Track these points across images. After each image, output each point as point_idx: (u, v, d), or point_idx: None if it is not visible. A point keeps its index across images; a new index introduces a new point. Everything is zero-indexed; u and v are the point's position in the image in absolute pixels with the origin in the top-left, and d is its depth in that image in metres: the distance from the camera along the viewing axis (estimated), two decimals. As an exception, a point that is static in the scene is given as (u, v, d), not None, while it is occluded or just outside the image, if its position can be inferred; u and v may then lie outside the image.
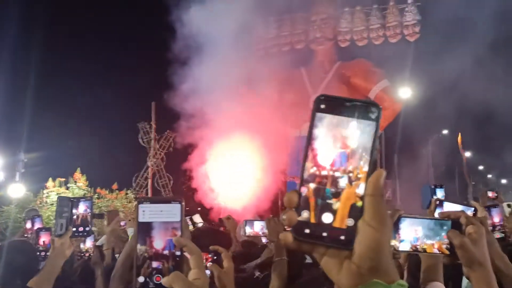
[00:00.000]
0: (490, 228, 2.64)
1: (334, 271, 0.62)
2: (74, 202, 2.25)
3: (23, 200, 13.09)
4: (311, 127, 0.62)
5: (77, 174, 14.32)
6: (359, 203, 0.61)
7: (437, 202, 2.36)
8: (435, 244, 1.39)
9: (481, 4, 12.54)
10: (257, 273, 2.87)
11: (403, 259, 2.11)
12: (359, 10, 15.49)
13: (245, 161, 13.22)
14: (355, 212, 0.61)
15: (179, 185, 15.46)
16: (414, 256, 1.77)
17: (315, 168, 0.61)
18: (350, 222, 0.61)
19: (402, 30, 15.03)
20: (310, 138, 0.62)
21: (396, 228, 1.42)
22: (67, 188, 14.11)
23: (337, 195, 0.61)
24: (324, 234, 0.61)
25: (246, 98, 12.68)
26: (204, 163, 13.48)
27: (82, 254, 3.33)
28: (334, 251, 0.61)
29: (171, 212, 1.09)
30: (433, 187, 3.25)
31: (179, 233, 1.07)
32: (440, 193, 3.20)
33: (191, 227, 4.19)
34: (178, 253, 1.07)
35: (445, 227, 1.38)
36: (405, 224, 1.43)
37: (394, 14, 15.14)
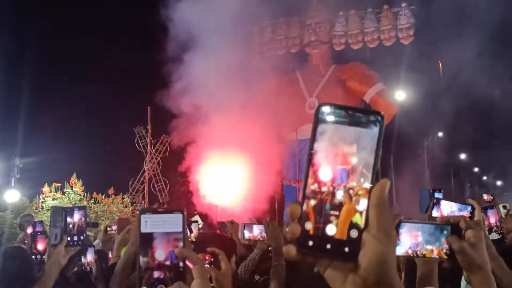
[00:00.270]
0: (487, 229, 2.64)
1: (338, 283, 0.61)
2: (68, 211, 2.25)
3: (18, 205, 13.04)
4: (313, 140, 0.62)
5: (73, 179, 14.28)
6: (359, 218, 0.60)
7: (434, 201, 2.38)
8: (434, 249, 1.40)
9: (475, 8, 12.63)
10: (256, 277, 2.88)
11: (402, 263, 2.13)
12: (354, 13, 15.56)
13: (241, 164, 13.23)
14: (358, 224, 0.60)
15: (177, 189, 15.44)
16: (412, 260, 1.79)
17: (316, 184, 0.61)
18: (354, 233, 0.60)
19: (397, 34, 15.10)
20: (311, 152, 0.62)
21: (396, 233, 1.42)
22: (63, 193, 14.06)
23: (338, 209, 0.60)
24: (328, 246, 0.60)
25: (242, 101, 12.70)
26: (200, 166, 13.48)
27: (84, 268, 3.29)
28: (338, 263, 0.61)
29: (173, 222, 1.08)
30: (431, 191, 3.24)
31: (181, 244, 1.07)
32: (438, 197, 3.21)
33: (193, 234, 4.19)
34: (180, 263, 1.07)
35: (445, 232, 1.39)
36: (405, 229, 1.43)
37: (388, 17, 15.21)
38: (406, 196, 15.33)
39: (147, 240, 1.07)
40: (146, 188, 15.75)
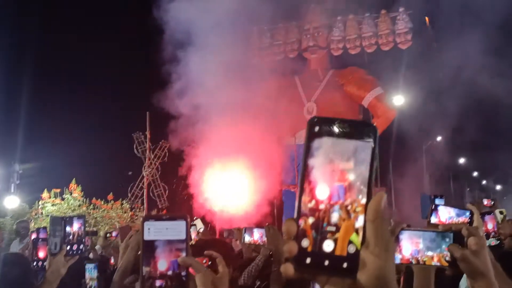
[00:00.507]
0: (485, 235, 2.63)
1: None
2: (67, 220, 2.26)
3: (18, 211, 13.03)
4: (306, 154, 0.61)
5: (73, 185, 14.28)
6: (356, 237, 0.59)
7: (432, 207, 2.38)
8: (435, 256, 1.40)
9: (474, 12, 12.70)
10: (257, 283, 2.89)
11: (401, 270, 2.14)
12: (352, 18, 15.61)
13: (240, 169, 13.23)
14: (356, 240, 0.59)
15: (178, 193, 15.42)
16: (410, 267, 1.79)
17: (311, 200, 0.60)
18: (352, 249, 0.59)
19: (395, 38, 15.15)
20: (305, 168, 0.60)
21: (397, 240, 1.42)
22: (63, 199, 14.05)
23: (335, 225, 0.59)
24: (326, 263, 0.59)
25: (241, 106, 12.72)
26: (199, 171, 13.47)
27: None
28: (337, 280, 0.60)
29: (177, 229, 1.08)
30: (432, 197, 3.24)
31: (183, 253, 1.07)
32: (439, 203, 3.22)
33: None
34: (183, 272, 1.06)
35: (447, 239, 1.39)
36: (406, 237, 1.43)
37: (386, 22, 15.26)
38: (405, 200, 15.36)
39: (150, 248, 1.06)
40: (145, 193, 15.74)
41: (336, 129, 0.60)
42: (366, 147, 0.60)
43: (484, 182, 35.35)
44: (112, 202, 15.13)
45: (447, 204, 2.37)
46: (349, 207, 0.59)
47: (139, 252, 1.10)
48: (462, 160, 27.64)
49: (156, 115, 14.87)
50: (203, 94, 12.87)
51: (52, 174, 15.08)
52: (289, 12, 15.95)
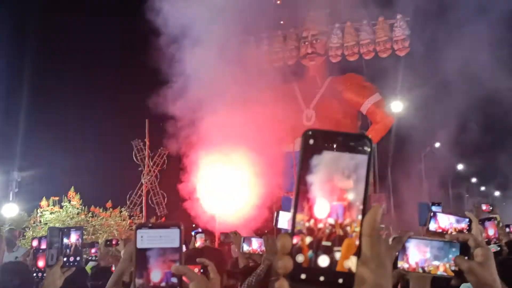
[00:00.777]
0: (485, 241, 2.62)
1: None
2: (64, 232, 2.26)
3: (17, 219, 13.00)
4: (301, 168, 0.60)
5: (71, 193, 14.27)
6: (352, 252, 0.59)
7: (431, 214, 2.38)
8: (441, 266, 1.40)
9: (471, 18, 12.77)
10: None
11: (396, 277, 2.13)
12: (349, 26, 15.68)
13: (238, 176, 13.22)
14: (354, 256, 0.59)
15: (177, 201, 15.41)
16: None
17: (306, 215, 0.59)
18: (347, 264, 0.58)
19: (392, 45, 15.21)
20: (300, 182, 0.59)
21: (403, 248, 1.42)
22: (61, 207, 14.04)
23: (329, 239, 0.59)
24: (321, 278, 0.58)
25: (239, 114, 12.73)
26: (198, 177, 13.46)
27: None
28: None
29: (170, 237, 1.06)
30: (430, 204, 3.24)
31: (177, 259, 1.05)
32: (436, 211, 3.21)
33: (198, 244, 4.18)
34: (176, 281, 1.04)
35: (453, 249, 1.39)
36: (413, 245, 1.43)
37: (384, 29, 15.33)
38: (404, 207, 15.34)
39: (143, 256, 1.04)
40: (144, 201, 15.72)
41: (331, 142, 0.60)
42: (361, 159, 0.59)
43: (483, 188, 35.33)
44: (111, 210, 15.12)
45: (444, 211, 2.37)
46: (344, 222, 0.59)
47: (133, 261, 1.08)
48: (460, 166, 27.65)
49: (155, 123, 14.90)
50: (202, 102, 12.89)
51: (50, 182, 15.07)
52: (287, 20, 16.05)
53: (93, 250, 4.33)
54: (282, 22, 16.01)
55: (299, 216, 0.59)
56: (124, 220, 15.21)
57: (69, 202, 14.22)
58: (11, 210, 12.94)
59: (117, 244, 5.16)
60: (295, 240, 0.59)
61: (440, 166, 20.83)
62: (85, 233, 13.90)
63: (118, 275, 2.33)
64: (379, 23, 15.44)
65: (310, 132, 0.61)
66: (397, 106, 16.01)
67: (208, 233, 7.13)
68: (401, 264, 1.43)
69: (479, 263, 1.29)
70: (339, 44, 15.73)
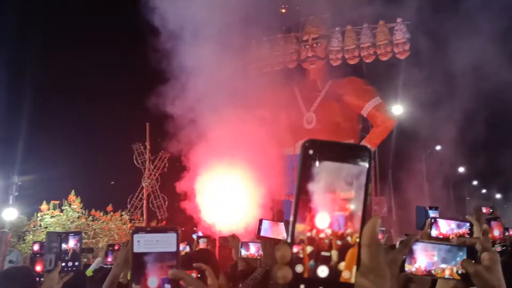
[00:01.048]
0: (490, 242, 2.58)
1: None
2: (63, 237, 2.24)
3: (17, 223, 13.00)
4: (301, 178, 0.60)
5: (72, 197, 14.27)
6: (352, 262, 0.59)
7: (432, 220, 2.37)
8: (447, 269, 1.40)
9: (473, 21, 12.78)
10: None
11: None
12: (350, 29, 15.71)
13: (239, 180, 13.21)
14: (353, 266, 0.59)
15: (178, 205, 15.41)
16: (406, 279, 1.79)
17: (308, 226, 0.59)
18: (346, 274, 0.58)
19: (393, 48, 15.22)
20: (300, 192, 0.60)
21: (411, 252, 1.43)
22: (62, 211, 14.03)
23: (329, 250, 0.59)
24: None
25: (239, 117, 12.74)
26: (198, 183, 13.45)
27: None
28: None
29: (167, 242, 1.05)
30: (427, 208, 3.24)
31: (174, 268, 1.04)
32: (433, 215, 3.20)
33: None
34: (172, 285, 1.04)
35: (460, 253, 1.40)
36: (420, 248, 1.43)
37: (384, 32, 15.35)
38: (404, 209, 15.32)
39: (139, 261, 1.03)
40: (144, 204, 15.71)
41: (330, 152, 0.60)
42: (360, 170, 0.59)
43: (484, 190, 35.31)
44: (112, 213, 15.11)
45: (445, 216, 2.37)
46: (344, 232, 0.59)
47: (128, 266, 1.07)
48: (462, 169, 27.62)
49: (155, 126, 14.90)
50: (203, 105, 12.90)
51: (51, 186, 15.08)
52: (288, 23, 16.07)
53: (109, 259, 4.32)
54: (284, 28, 16.02)
55: (298, 226, 0.59)
56: (124, 223, 15.20)
57: (70, 206, 14.22)
58: (11, 214, 12.95)
59: (119, 249, 5.14)
60: (295, 249, 0.59)
61: (441, 169, 20.81)
62: (85, 236, 13.90)
63: (112, 280, 2.32)
64: (380, 27, 15.46)
65: (309, 142, 0.61)
66: (397, 109, 16.02)
67: (209, 237, 7.11)
68: (408, 267, 1.43)
69: (486, 267, 1.30)
70: (339, 47, 15.75)
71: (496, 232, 2.89)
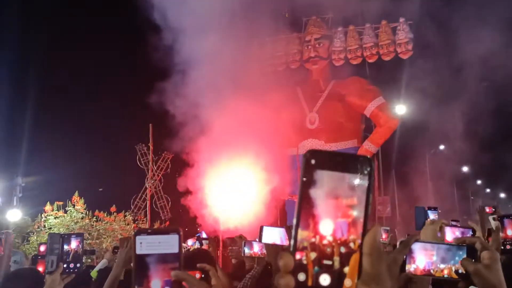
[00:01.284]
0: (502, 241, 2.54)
1: None
2: (65, 238, 2.25)
3: (21, 224, 13.04)
4: (303, 188, 0.60)
5: (75, 197, 14.30)
6: (354, 270, 0.59)
7: (438, 229, 2.38)
8: (446, 269, 1.40)
9: (475, 19, 12.76)
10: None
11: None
12: (352, 29, 15.70)
13: (242, 180, 13.22)
14: (354, 273, 0.59)
15: (181, 205, 15.43)
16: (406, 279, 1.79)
17: (310, 235, 0.60)
18: (348, 283, 0.59)
19: (395, 48, 15.21)
20: (302, 201, 0.60)
21: (410, 252, 1.43)
22: (65, 212, 14.07)
23: (331, 258, 0.59)
24: None
25: (242, 117, 12.75)
26: (202, 183, 13.46)
27: None
28: None
29: (169, 243, 1.06)
30: (426, 209, 3.23)
31: (177, 265, 1.04)
32: (432, 215, 3.18)
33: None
34: (175, 287, 1.04)
35: (460, 253, 1.40)
36: (419, 248, 1.43)
37: (386, 32, 15.34)
38: (408, 208, 15.28)
39: (142, 263, 1.03)
40: (148, 205, 15.73)
41: (331, 162, 0.60)
42: (362, 180, 0.60)
43: (488, 190, 35.19)
44: (115, 214, 15.14)
45: (444, 215, 2.37)
46: (345, 241, 0.60)
47: (131, 267, 1.08)
48: (466, 168, 27.53)
49: (159, 127, 14.93)
50: (205, 106, 12.92)
51: (55, 187, 15.11)
52: (290, 24, 16.08)
53: None
54: (286, 28, 16.00)
55: (300, 235, 0.60)
56: (128, 224, 15.22)
57: (73, 207, 14.25)
58: (15, 215, 13.00)
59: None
60: (298, 256, 0.59)
61: (445, 168, 20.74)
62: (89, 237, 13.95)
63: (113, 280, 2.32)
64: (382, 27, 15.45)
65: (311, 153, 0.61)
66: (401, 109, 15.99)
67: (211, 238, 7.11)
68: (408, 267, 1.43)
69: (486, 265, 1.30)
70: (342, 47, 15.74)
71: (510, 232, 2.82)
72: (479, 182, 33.13)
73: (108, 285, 2.30)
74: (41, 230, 13.53)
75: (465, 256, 1.38)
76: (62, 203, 14.10)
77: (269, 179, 13.12)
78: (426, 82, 14.40)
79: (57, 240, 2.22)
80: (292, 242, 0.60)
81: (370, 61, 15.55)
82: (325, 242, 0.59)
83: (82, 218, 14.33)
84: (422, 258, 1.42)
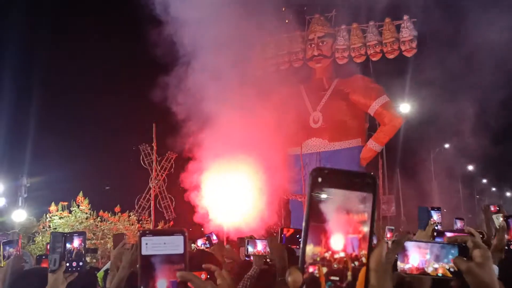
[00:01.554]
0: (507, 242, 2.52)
1: None
2: (67, 237, 2.26)
3: (26, 225, 13.10)
4: (310, 204, 0.62)
5: (80, 198, 14.36)
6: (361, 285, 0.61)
7: (435, 234, 2.39)
8: (440, 268, 1.40)
9: (478, 17, 12.71)
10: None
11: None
12: (356, 27, 15.66)
13: (246, 179, 13.22)
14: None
15: (185, 205, 15.44)
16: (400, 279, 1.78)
17: (318, 250, 0.61)
18: None
19: (399, 46, 15.15)
20: (309, 217, 0.62)
21: (403, 250, 1.43)
22: (70, 212, 14.13)
23: (338, 274, 0.61)
24: None
25: (246, 116, 12.75)
26: (204, 182, 13.47)
27: None
28: None
29: (174, 244, 1.07)
30: (430, 209, 3.22)
31: (183, 266, 1.05)
32: (435, 215, 3.18)
33: None
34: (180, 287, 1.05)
35: (452, 251, 1.40)
36: (413, 247, 1.43)
37: (390, 30, 15.28)
38: (413, 208, 15.24)
39: (148, 263, 1.04)
40: (152, 205, 15.76)
41: (337, 179, 0.62)
42: (367, 196, 0.62)
43: (494, 189, 35.09)
44: (119, 214, 15.18)
45: (448, 214, 2.36)
46: (352, 256, 0.61)
47: (136, 268, 1.09)
48: (471, 167, 27.46)
49: (162, 127, 14.94)
50: (209, 105, 12.92)
51: (59, 187, 15.17)
52: (293, 22, 16.05)
53: None
54: (289, 27, 15.97)
55: (308, 248, 0.61)
56: (132, 224, 15.26)
57: (78, 207, 14.31)
58: (20, 215, 13.07)
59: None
60: (311, 270, 0.61)
61: (450, 167, 20.69)
62: (94, 237, 14.00)
63: (119, 282, 2.33)
64: (386, 24, 15.40)
65: (318, 170, 0.63)
66: (405, 108, 15.95)
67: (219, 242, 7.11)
68: (401, 266, 1.42)
69: (478, 263, 1.30)
70: (345, 46, 15.70)
71: None
72: (484, 180, 33.03)
73: (115, 287, 2.31)
74: (46, 230, 13.58)
75: (457, 254, 1.38)
76: (66, 203, 14.16)
77: (272, 178, 13.11)
78: (430, 79, 14.37)
79: (60, 239, 2.23)
80: (300, 257, 0.62)
81: (373, 59, 15.50)
82: (332, 257, 0.61)
83: (86, 218, 14.38)
84: (416, 257, 1.41)
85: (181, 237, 1.07)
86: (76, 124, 18.97)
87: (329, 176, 0.62)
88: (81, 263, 2.26)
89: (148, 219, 15.67)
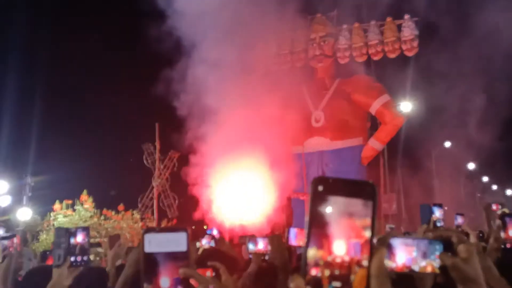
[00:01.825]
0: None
1: None
2: (71, 232, 2.26)
3: (30, 223, 13.19)
4: (311, 212, 0.65)
5: (84, 196, 14.44)
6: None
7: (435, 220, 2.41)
8: (426, 263, 1.40)
9: (480, 17, 12.72)
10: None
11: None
12: (357, 27, 15.66)
13: (248, 178, 13.25)
14: None
15: (188, 204, 15.49)
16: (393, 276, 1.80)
17: (319, 257, 0.64)
18: None
19: (401, 45, 15.15)
20: (311, 225, 0.65)
21: (390, 248, 1.42)
22: (74, 210, 14.22)
23: (340, 279, 0.63)
24: None
25: (248, 116, 12.78)
26: (208, 181, 13.51)
27: None
28: None
29: (178, 241, 1.06)
30: (432, 206, 3.23)
31: (186, 263, 1.06)
32: (438, 212, 3.19)
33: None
34: (183, 285, 1.05)
35: (437, 247, 1.40)
36: (399, 244, 1.43)
37: (392, 29, 15.28)
38: (414, 207, 15.29)
39: (150, 261, 1.05)
40: (155, 204, 15.84)
41: (338, 188, 0.65)
42: (367, 204, 0.65)
43: (495, 187, 34.92)
44: (123, 212, 15.26)
45: (450, 212, 2.42)
46: (353, 263, 0.64)
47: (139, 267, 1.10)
48: (472, 166, 27.41)
49: (165, 126, 15.00)
50: (211, 104, 12.96)
51: (63, 186, 15.25)
52: (294, 22, 16.05)
53: None
54: (289, 24, 15.98)
55: (310, 255, 0.64)
56: (136, 222, 15.34)
57: (82, 205, 14.40)
58: (25, 214, 13.16)
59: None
60: (314, 272, 0.63)
61: (451, 166, 20.68)
62: (98, 235, 14.07)
63: (125, 280, 2.36)
64: (387, 24, 15.39)
65: (320, 179, 0.66)
66: (406, 107, 15.95)
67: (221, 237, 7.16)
68: (389, 264, 1.41)
69: (463, 259, 1.32)
70: (347, 45, 15.70)
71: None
72: (485, 179, 32.94)
73: (120, 285, 2.32)
74: (50, 228, 13.67)
75: (442, 250, 1.38)
76: (70, 202, 14.25)
77: (274, 177, 13.15)
78: (431, 78, 14.39)
79: (63, 234, 2.23)
80: (302, 262, 0.64)
81: (375, 58, 15.50)
82: (333, 264, 0.63)
83: (90, 217, 14.47)
84: (402, 255, 1.40)
85: (184, 234, 1.07)
86: (79, 123, 19.06)
87: (330, 184, 0.64)
88: (85, 258, 2.26)
89: (152, 217, 15.75)
